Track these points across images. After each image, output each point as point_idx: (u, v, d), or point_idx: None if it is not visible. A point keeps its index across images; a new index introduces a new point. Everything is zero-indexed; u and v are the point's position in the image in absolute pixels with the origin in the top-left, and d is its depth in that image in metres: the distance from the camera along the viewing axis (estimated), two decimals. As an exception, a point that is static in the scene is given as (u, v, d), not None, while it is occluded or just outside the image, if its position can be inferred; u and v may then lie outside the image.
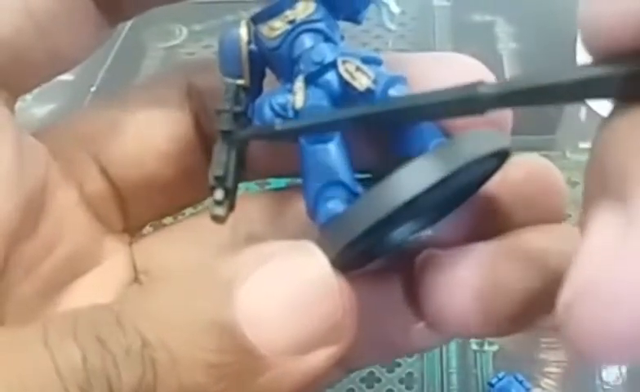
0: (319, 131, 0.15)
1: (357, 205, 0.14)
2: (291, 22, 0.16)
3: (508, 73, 0.47)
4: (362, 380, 0.32)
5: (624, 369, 0.32)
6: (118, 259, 0.19)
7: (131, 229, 0.20)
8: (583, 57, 0.46)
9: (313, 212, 0.16)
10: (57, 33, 0.16)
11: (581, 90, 0.11)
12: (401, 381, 0.32)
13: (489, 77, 0.17)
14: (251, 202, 0.18)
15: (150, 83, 0.20)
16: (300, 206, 0.17)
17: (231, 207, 0.17)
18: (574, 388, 0.32)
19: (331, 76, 0.16)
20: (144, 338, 0.12)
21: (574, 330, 0.10)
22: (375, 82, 0.15)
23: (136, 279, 0.19)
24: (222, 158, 0.17)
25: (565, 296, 0.11)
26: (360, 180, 0.16)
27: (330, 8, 0.16)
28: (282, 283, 0.13)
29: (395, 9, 0.17)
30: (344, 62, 0.16)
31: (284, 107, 0.16)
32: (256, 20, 0.16)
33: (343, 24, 0.17)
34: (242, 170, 0.17)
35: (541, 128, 0.43)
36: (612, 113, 0.11)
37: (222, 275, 0.13)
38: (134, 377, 0.12)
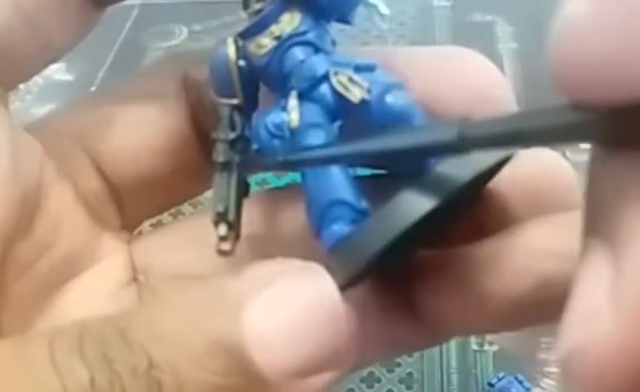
0: (316, 165, 0.16)
1: (364, 230, 0.14)
2: (277, 38, 0.16)
3: (508, 73, 0.47)
4: (362, 380, 0.32)
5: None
6: (117, 258, 0.19)
7: (130, 227, 0.20)
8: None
9: (317, 234, 0.16)
10: (46, 25, 0.16)
11: (567, 134, 0.11)
12: (401, 381, 0.32)
13: (491, 70, 0.17)
14: (251, 202, 0.18)
15: (145, 76, 0.20)
16: (299, 206, 0.16)
17: (237, 238, 0.17)
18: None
19: (324, 89, 0.16)
20: (151, 358, 0.12)
21: (571, 378, 0.11)
22: (369, 91, 0.15)
23: (135, 279, 0.19)
24: (222, 190, 0.17)
25: (561, 348, 0.11)
26: (366, 178, 0.16)
27: (317, 14, 0.16)
28: (289, 306, 0.13)
29: (384, 10, 0.17)
30: (336, 73, 0.16)
31: (280, 127, 0.16)
32: (243, 36, 0.16)
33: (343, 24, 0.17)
34: (245, 198, 0.17)
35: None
36: (602, 156, 0.11)
37: (229, 294, 0.13)
38: None
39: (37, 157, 0.17)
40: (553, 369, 0.32)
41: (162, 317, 0.13)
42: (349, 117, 0.16)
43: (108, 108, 0.18)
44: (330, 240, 0.15)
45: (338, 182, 0.15)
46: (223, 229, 0.16)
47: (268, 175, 0.39)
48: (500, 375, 0.31)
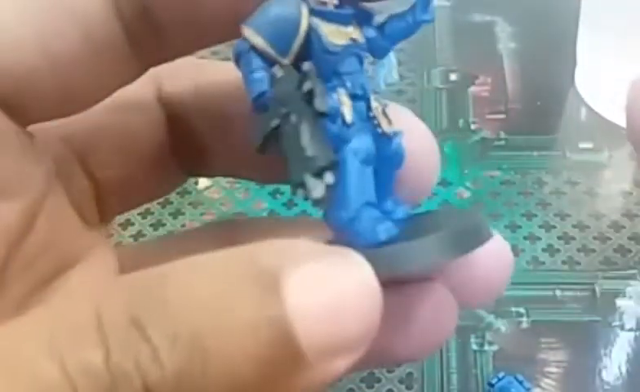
0: None
1: (423, 243, 0.15)
2: (353, 40, 0.17)
3: (508, 73, 0.47)
4: (362, 380, 0.32)
5: (623, 369, 0.32)
6: (103, 251, 0.19)
7: (104, 222, 0.21)
8: (583, 57, 0.46)
9: (351, 224, 0.16)
10: (74, 75, 0.16)
11: None
12: (401, 381, 0.32)
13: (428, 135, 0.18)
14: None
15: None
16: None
17: None
18: (574, 388, 0.32)
19: (361, 106, 0.17)
20: (194, 326, 0.12)
21: None
22: (394, 133, 0.17)
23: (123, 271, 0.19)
24: (320, 141, 0.16)
25: None
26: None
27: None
28: (332, 283, 0.13)
29: (396, 76, 0.18)
30: (375, 99, 0.17)
31: (335, 110, 0.16)
32: (317, 14, 0.16)
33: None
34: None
35: (542, 127, 0.43)
36: None
37: (266, 265, 0.13)
38: (178, 367, 0.12)
39: (42, 160, 0.17)
40: (553, 369, 0.32)
41: (201, 283, 0.13)
42: None
43: (97, 115, 0.19)
44: (382, 235, 0.16)
45: (373, 188, 0.16)
46: (330, 177, 0.16)
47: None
48: (500, 375, 0.31)
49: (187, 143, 0.20)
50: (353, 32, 0.17)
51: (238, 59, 0.16)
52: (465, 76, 0.47)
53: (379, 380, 0.32)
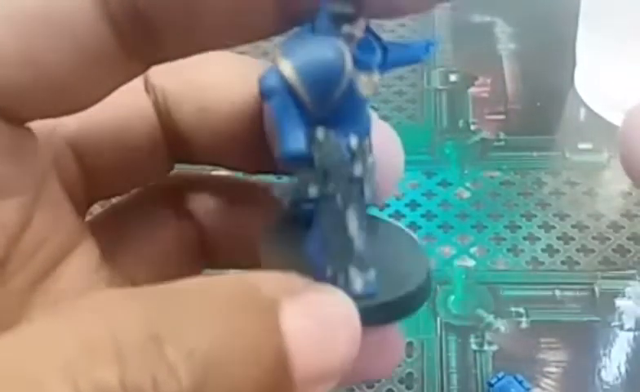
0: None
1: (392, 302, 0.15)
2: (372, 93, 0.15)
3: (508, 73, 0.47)
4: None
5: (623, 369, 0.32)
6: (90, 237, 0.19)
7: (89, 206, 0.21)
8: (582, 57, 0.46)
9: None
10: (65, 82, 0.16)
11: None
12: (401, 381, 0.32)
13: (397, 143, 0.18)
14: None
15: None
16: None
17: None
18: (573, 388, 0.32)
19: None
20: (207, 344, 0.12)
21: None
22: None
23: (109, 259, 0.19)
24: (365, 233, 0.15)
25: None
26: None
27: None
28: (326, 318, 0.14)
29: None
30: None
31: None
32: (355, 61, 0.15)
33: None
34: None
35: (541, 128, 0.44)
36: None
37: (267, 295, 0.13)
38: (195, 383, 0.12)
39: (40, 158, 0.17)
40: (553, 369, 0.32)
41: (212, 304, 0.13)
42: None
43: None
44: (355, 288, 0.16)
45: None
46: (372, 275, 0.15)
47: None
48: (500, 375, 0.31)
49: (173, 132, 0.20)
50: (377, 79, 0.15)
51: (269, 95, 0.14)
52: (465, 77, 0.47)
53: (379, 380, 0.32)
